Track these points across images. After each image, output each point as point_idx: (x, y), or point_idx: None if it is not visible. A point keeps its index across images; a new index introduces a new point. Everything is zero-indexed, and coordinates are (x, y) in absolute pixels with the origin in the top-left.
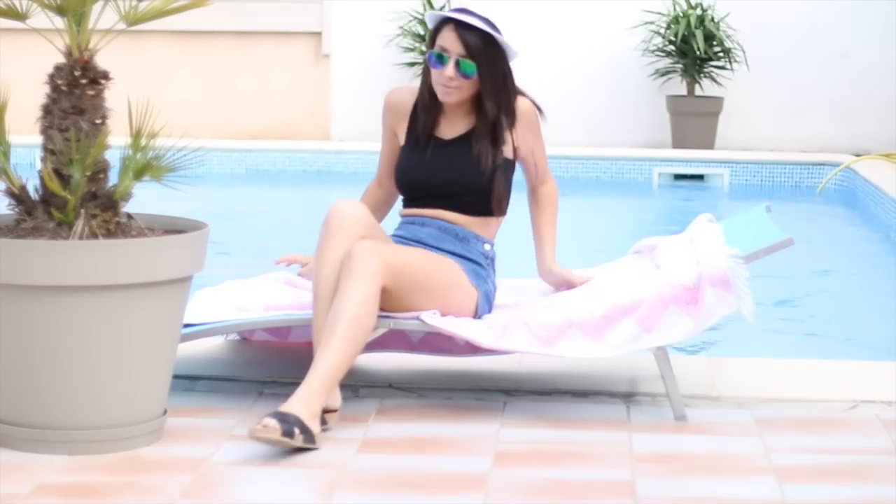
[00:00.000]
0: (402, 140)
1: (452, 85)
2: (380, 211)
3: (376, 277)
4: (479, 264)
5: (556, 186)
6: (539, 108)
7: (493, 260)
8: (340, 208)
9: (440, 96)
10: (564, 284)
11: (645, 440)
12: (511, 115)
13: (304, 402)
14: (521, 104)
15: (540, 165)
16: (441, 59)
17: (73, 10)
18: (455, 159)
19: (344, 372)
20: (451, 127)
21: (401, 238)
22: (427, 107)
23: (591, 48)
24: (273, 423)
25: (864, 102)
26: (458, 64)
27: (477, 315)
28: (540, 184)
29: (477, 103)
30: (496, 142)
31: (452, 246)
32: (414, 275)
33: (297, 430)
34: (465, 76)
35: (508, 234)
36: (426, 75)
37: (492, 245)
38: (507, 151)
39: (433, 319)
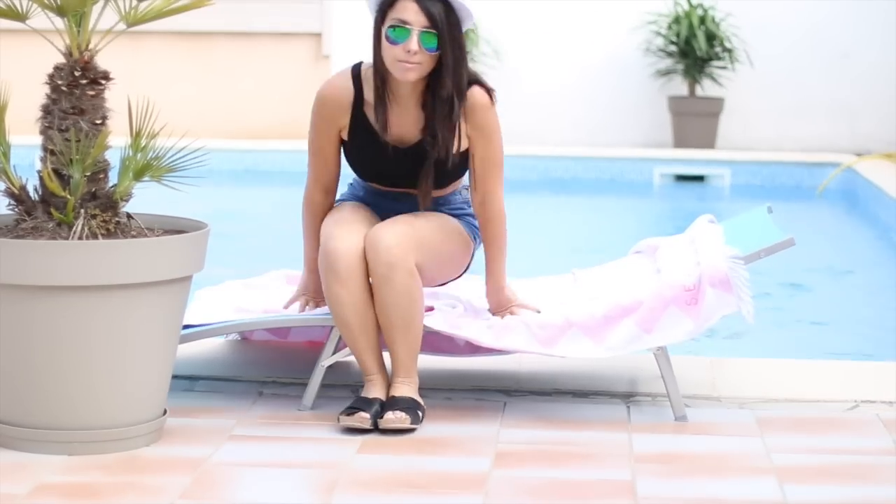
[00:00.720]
0: (345, 135)
1: (415, 60)
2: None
3: (412, 269)
4: (463, 215)
5: (503, 215)
6: (491, 96)
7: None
8: (340, 250)
9: (399, 74)
10: (506, 310)
11: (645, 440)
12: (462, 96)
13: (409, 383)
14: (475, 95)
15: (483, 182)
16: (401, 34)
17: (73, 10)
18: (421, 157)
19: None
20: (403, 116)
21: (377, 207)
22: (381, 94)
23: (592, 48)
24: (402, 415)
25: (866, 103)
26: (420, 37)
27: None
28: (481, 202)
29: (426, 87)
30: (454, 127)
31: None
32: (433, 256)
33: (420, 414)
34: (429, 50)
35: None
36: (377, 56)
37: (464, 185)
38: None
39: (432, 320)
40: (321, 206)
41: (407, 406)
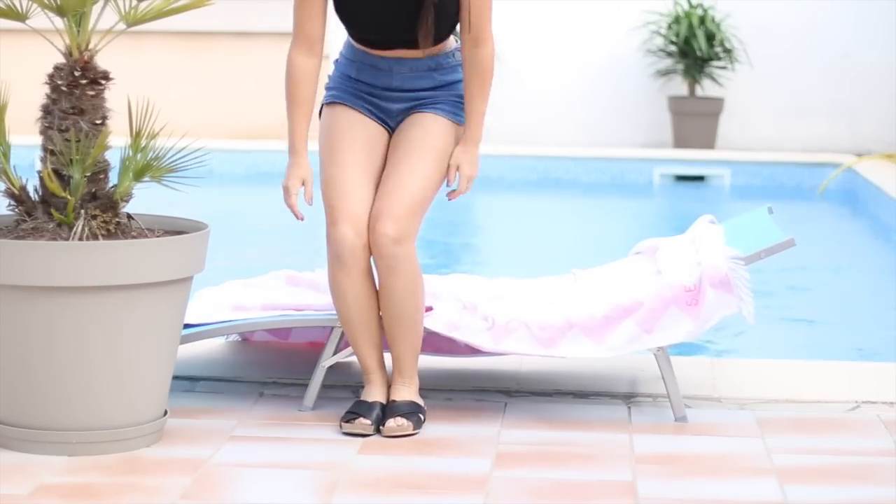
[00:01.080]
0: None
1: None
2: (315, 85)
3: (415, 260)
4: (455, 83)
5: (492, 58)
6: None
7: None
8: (347, 237)
9: None
10: (456, 170)
11: (646, 441)
12: None
13: (409, 385)
14: None
15: (478, 17)
16: None
17: (73, 10)
18: (415, 6)
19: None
20: None
21: (368, 87)
22: None
23: (592, 49)
24: (404, 422)
25: (866, 103)
26: None
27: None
28: (473, 45)
29: None
30: None
31: (429, 81)
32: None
33: (421, 417)
34: None
35: (506, 232)
36: None
37: (456, 47)
38: None
39: (431, 321)
40: (304, 69)
41: (408, 411)
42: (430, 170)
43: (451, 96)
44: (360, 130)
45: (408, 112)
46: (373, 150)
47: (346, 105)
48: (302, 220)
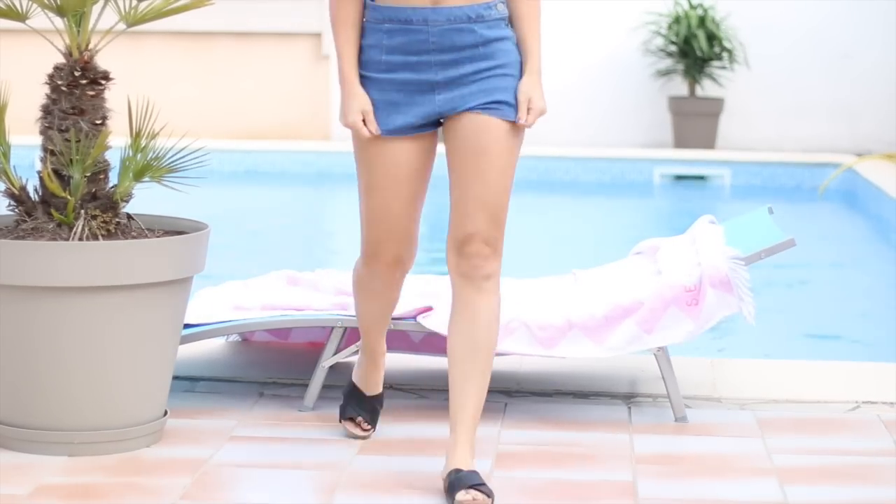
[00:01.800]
0: None
1: None
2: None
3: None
4: (498, 40)
5: None
6: None
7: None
8: (388, 271)
9: None
10: (527, 104)
11: (646, 441)
12: None
13: (470, 451)
14: None
15: None
16: None
17: (73, 10)
18: None
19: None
20: None
21: (402, 61)
22: None
23: (592, 49)
24: (480, 496)
25: (866, 103)
26: None
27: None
28: None
29: None
30: None
31: (471, 36)
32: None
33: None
34: None
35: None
36: None
37: None
38: None
39: (431, 321)
40: (350, 5)
41: (479, 482)
42: (506, 181)
43: (500, 75)
44: (403, 157)
45: (454, 89)
46: (418, 174)
47: (380, 137)
48: (378, 133)
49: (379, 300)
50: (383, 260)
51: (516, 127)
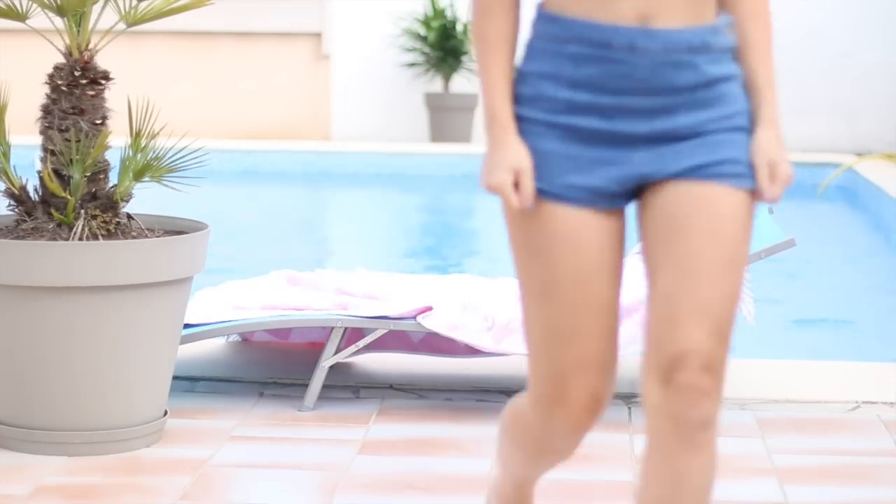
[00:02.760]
0: None
1: None
2: (517, 13)
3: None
4: (725, 80)
5: (767, 3)
6: None
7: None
8: (582, 420)
9: None
10: (770, 162)
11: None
12: None
13: None
14: None
15: None
16: None
17: (72, 10)
18: None
19: None
20: None
21: (588, 104)
22: None
23: None
24: None
25: (866, 103)
26: None
27: None
28: None
29: None
30: None
31: (691, 73)
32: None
33: None
34: None
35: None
36: None
37: (726, 21)
38: None
39: (431, 321)
40: (501, 18)
41: None
42: (737, 277)
43: (728, 129)
44: (586, 239)
45: (661, 145)
46: (611, 267)
47: (555, 202)
48: (530, 202)
49: (555, 457)
50: (574, 403)
51: (752, 200)
